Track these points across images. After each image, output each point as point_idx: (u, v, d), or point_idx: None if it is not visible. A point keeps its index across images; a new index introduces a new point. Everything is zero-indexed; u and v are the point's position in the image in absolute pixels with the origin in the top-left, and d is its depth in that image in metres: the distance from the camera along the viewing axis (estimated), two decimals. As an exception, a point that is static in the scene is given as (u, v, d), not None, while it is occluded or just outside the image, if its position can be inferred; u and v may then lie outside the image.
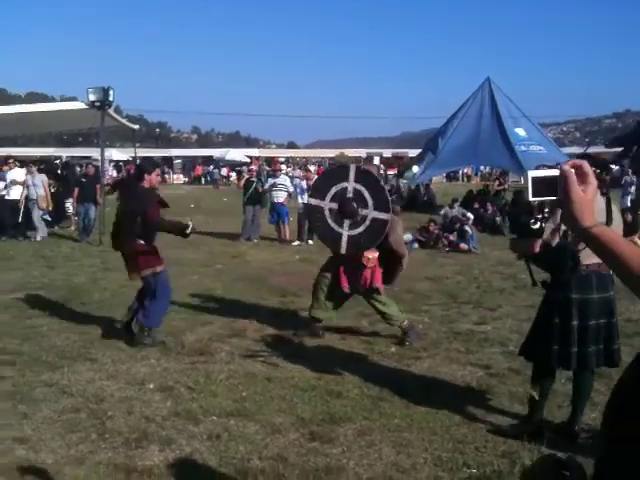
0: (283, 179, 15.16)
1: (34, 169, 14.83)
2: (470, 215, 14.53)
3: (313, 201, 6.22)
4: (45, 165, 23.40)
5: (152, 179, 6.29)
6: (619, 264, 1.26)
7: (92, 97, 13.74)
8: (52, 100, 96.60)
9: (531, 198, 1.47)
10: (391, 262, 6.09)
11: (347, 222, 5.93)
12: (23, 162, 16.46)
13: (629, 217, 10.84)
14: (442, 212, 15.21)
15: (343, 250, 6.04)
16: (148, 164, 6.82)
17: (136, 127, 21.41)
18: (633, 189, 18.28)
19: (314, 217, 6.25)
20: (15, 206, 14.21)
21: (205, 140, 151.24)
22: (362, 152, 56.38)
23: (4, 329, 6.40)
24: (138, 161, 16.06)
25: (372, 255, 5.97)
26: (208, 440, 4.03)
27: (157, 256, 6.19)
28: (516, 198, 16.34)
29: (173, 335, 6.37)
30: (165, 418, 4.36)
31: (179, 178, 51.77)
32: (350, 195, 5.89)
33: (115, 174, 46.64)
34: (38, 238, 13.97)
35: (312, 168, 24.76)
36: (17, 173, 14.62)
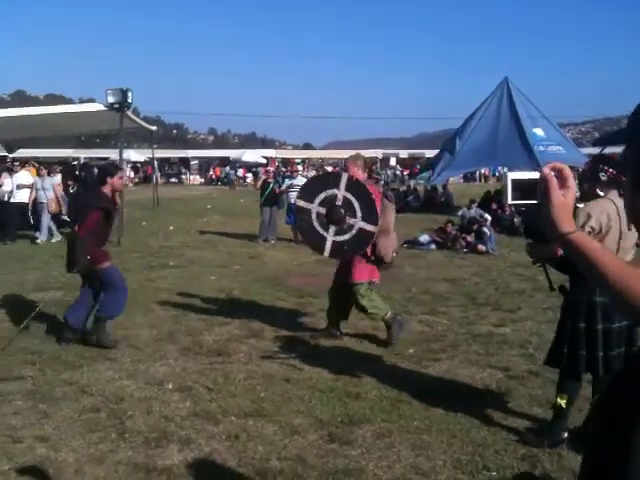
0: (300, 180, 15.16)
1: (44, 172, 14.73)
2: (488, 216, 14.45)
3: (301, 202, 6.15)
4: (64, 166, 23.67)
5: (115, 182, 6.27)
6: (596, 273, 1.23)
7: (111, 99, 13.83)
8: (70, 102, 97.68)
9: (510, 201, 1.44)
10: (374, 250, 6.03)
11: (333, 228, 5.88)
12: (43, 164, 16.61)
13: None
14: (459, 213, 15.13)
15: (326, 253, 6.00)
16: (111, 167, 6.75)
17: (154, 128, 21.53)
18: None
19: (300, 218, 6.22)
20: (23, 209, 14.07)
21: (221, 141, 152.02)
22: (378, 153, 56.36)
23: (24, 329, 6.46)
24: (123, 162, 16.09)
25: None
26: (227, 440, 4.04)
27: (104, 253, 6.26)
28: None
29: (191, 335, 6.40)
30: (184, 418, 4.38)
31: (195, 179, 52.08)
32: (339, 203, 5.84)
33: (133, 175, 47.10)
34: (38, 241, 13.62)
35: (329, 169, 24.77)
36: (24, 176, 14.53)
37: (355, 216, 5.77)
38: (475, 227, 13.53)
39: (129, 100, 14.02)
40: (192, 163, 54.90)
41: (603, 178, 3.87)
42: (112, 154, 32.33)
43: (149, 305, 7.69)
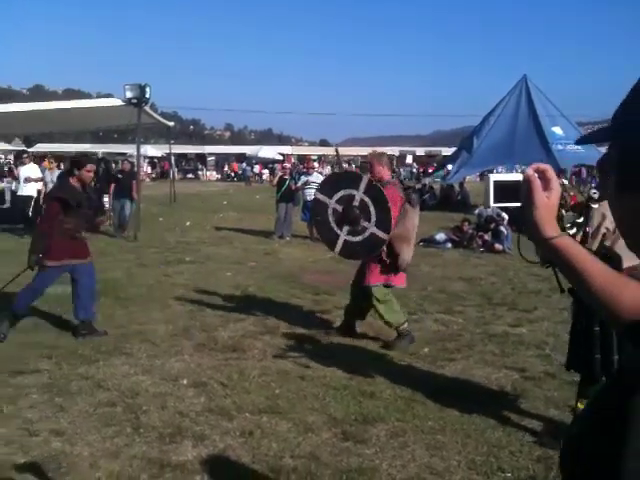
0: (316, 177, 15.15)
1: (54, 165, 14.75)
2: (505, 215, 14.34)
3: (320, 196, 6.14)
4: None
5: (83, 175, 6.25)
6: (581, 281, 1.19)
7: (129, 94, 13.87)
8: (88, 96, 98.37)
9: (492, 204, 1.39)
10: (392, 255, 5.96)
11: (347, 227, 5.86)
12: (59, 158, 16.71)
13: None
14: (476, 211, 15.02)
15: (337, 250, 5.99)
16: (81, 159, 6.68)
17: (171, 124, 21.62)
18: None
19: (317, 211, 6.19)
20: (28, 202, 14.08)
21: (238, 137, 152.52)
22: (395, 150, 56.16)
23: (41, 322, 6.51)
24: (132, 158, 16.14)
25: None
26: (241, 437, 4.05)
27: (61, 250, 6.08)
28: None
29: (206, 331, 6.42)
30: (199, 414, 4.39)
31: (212, 175, 52.26)
32: (356, 204, 5.82)
33: (150, 170, 47.35)
34: None
35: (345, 166, 24.77)
36: (31, 170, 14.51)
37: (369, 220, 5.75)
38: (492, 226, 13.43)
39: (147, 95, 14.05)
40: (209, 159, 55.11)
41: None
42: (130, 149, 32.56)
43: (166, 300, 7.73)
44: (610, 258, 3.56)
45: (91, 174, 6.44)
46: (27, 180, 14.18)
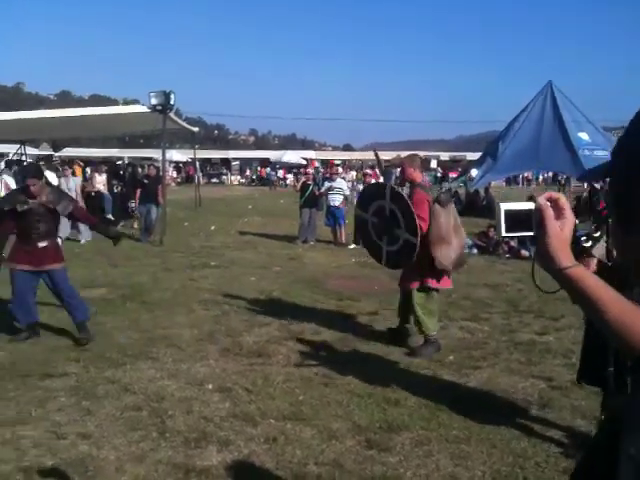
0: (339, 182, 15.17)
1: (68, 172, 14.81)
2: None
3: (359, 212, 6.38)
4: (108, 166, 24.16)
5: (29, 184, 6.10)
6: (596, 311, 1.18)
7: (154, 101, 14.02)
8: (114, 102, 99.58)
9: (504, 234, 1.38)
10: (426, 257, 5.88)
11: (385, 238, 6.01)
12: (87, 164, 16.93)
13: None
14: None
15: (384, 262, 6.15)
16: (31, 169, 6.85)
17: (196, 130, 21.77)
18: None
19: (360, 227, 6.40)
20: None
21: (262, 142, 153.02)
22: (419, 155, 55.91)
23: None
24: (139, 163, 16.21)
25: None
26: (265, 443, 4.06)
27: (20, 254, 6.17)
28: (576, 204, 15.90)
29: (231, 336, 6.45)
30: (223, 419, 4.42)
31: (237, 179, 52.57)
32: (387, 214, 5.94)
33: (175, 175, 47.80)
34: (82, 241, 13.24)
35: (369, 171, 24.75)
36: (48, 177, 14.60)
37: (400, 227, 5.80)
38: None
39: (171, 102, 14.19)
40: (233, 164, 55.44)
41: None
42: (155, 154, 32.93)
43: (191, 305, 7.79)
44: (618, 269, 3.51)
45: (35, 188, 6.11)
46: None
